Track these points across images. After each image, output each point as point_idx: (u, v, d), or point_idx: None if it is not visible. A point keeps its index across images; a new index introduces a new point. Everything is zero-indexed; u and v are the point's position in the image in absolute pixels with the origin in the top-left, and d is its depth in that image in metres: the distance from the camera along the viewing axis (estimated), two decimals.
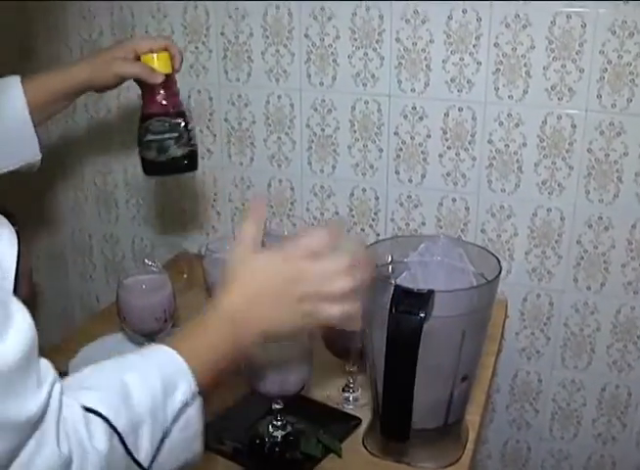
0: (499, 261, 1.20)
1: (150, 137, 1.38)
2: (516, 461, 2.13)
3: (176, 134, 1.37)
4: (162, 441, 0.81)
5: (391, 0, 1.76)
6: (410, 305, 1.07)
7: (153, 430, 0.80)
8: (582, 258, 1.83)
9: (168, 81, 1.38)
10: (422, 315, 1.06)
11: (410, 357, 1.07)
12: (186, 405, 0.84)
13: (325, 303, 0.95)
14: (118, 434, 0.76)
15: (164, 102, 1.38)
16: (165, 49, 1.38)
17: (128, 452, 0.77)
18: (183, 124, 1.38)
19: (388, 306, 1.08)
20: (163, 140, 1.37)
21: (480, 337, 1.21)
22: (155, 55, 1.37)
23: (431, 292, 1.08)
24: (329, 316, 0.96)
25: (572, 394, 1.98)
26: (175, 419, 0.82)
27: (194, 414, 0.85)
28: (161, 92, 1.37)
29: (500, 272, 1.17)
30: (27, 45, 2.18)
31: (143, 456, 0.79)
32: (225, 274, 0.96)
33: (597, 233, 1.80)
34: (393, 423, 1.14)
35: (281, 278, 0.95)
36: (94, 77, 1.37)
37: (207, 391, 0.88)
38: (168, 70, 1.38)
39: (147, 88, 1.39)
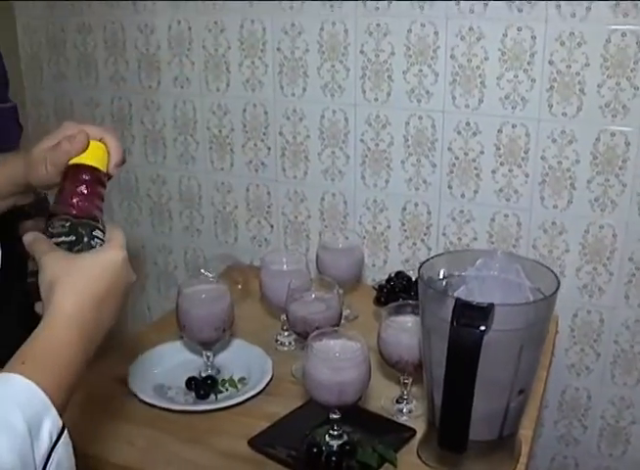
0: (556, 277, 1.21)
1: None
2: None
3: (73, 238, 0.97)
4: None
5: (447, 17, 1.78)
6: (471, 318, 1.09)
7: None
8: (634, 274, 1.83)
9: (92, 177, 1.02)
10: (482, 328, 1.08)
11: (470, 370, 1.09)
12: (54, 445, 0.75)
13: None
14: None
15: (76, 201, 1.00)
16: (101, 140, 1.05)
17: None
18: (88, 229, 0.98)
19: (449, 319, 1.10)
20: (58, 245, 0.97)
21: (537, 351, 1.22)
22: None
23: (491, 306, 1.10)
24: None
25: (622, 411, 1.97)
26: (46, 464, 0.74)
27: (63, 452, 0.76)
28: (79, 189, 1.00)
29: (558, 287, 1.18)
30: (85, 59, 2.24)
31: None
32: (55, 277, 0.87)
33: None
34: (451, 434, 1.16)
35: (115, 275, 0.91)
36: (28, 173, 1.07)
37: (64, 409, 0.79)
38: (97, 164, 1.03)
39: (63, 179, 1.03)
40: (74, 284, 0.87)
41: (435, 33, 1.81)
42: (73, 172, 1.02)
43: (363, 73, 1.91)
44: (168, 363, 1.60)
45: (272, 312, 1.79)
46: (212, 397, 1.51)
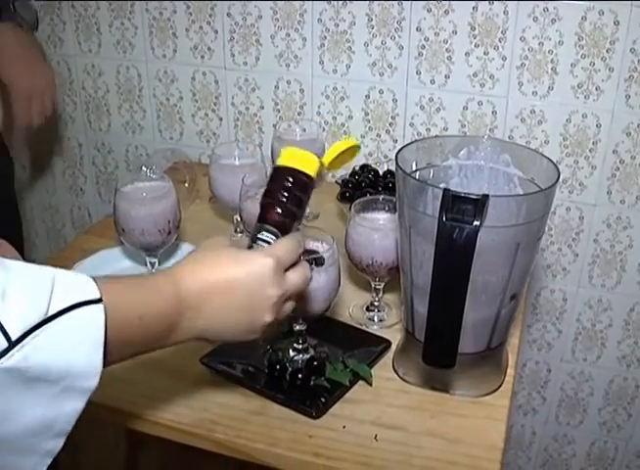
0: (556, 166, 1.05)
1: None
2: (534, 382, 2.03)
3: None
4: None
5: None
6: (462, 212, 0.93)
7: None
8: (618, 168, 1.69)
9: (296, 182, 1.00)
10: (477, 223, 0.91)
11: (462, 272, 0.93)
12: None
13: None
14: None
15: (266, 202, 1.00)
16: None
17: None
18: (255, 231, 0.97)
19: (436, 215, 0.94)
20: None
21: (533, 251, 1.06)
22: None
23: (485, 197, 0.93)
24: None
25: (599, 314, 1.87)
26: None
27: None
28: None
29: (559, 177, 1.02)
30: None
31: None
32: (205, 250, 0.89)
33: (635, 142, 1.66)
34: (439, 347, 1.00)
35: (252, 296, 0.86)
36: None
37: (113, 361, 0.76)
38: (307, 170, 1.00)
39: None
40: (202, 262, 0.86)
41: None
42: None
43: None
44: (106, 273, 1.42)
45: (223, 213, 1.62)
46: None
